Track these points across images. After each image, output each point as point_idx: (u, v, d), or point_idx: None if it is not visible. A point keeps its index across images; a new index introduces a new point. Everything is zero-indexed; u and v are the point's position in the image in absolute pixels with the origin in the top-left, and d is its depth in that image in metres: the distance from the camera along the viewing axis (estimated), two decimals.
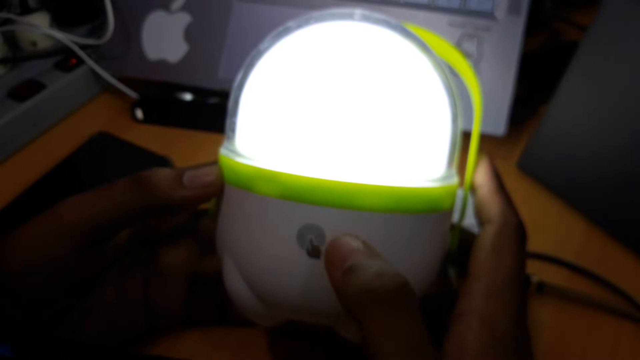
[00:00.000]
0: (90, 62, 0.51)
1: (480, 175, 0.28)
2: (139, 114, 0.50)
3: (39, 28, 0.51)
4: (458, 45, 0.46)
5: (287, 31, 0.27)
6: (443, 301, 0.30)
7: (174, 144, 0.48)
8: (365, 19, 0.27)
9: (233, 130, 0.28)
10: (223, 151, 0.28)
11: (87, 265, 0.28)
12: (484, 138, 0.45)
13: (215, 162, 0.28)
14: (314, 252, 0.24)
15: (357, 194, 0.24)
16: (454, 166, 0.27)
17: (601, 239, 0.40)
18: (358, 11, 0.27)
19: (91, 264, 0.29)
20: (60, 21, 0.55)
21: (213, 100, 0.50)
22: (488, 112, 0.44)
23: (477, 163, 0.28)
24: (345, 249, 0.23)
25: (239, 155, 0.26)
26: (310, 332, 0.31)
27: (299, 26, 0.27)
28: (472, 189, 0.29)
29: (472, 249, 0.26)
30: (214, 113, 0.49)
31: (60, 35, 0.51)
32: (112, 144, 0.47)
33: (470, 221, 0.29)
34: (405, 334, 0.22)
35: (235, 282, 0.27)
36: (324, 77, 0.25)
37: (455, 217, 0.28)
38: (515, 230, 0.26)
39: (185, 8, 0.50)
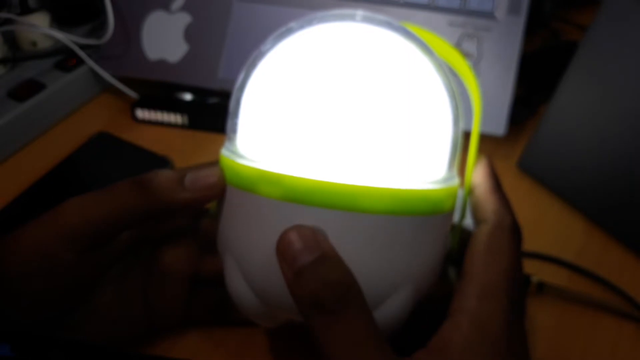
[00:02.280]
0: (90, 62, 0.51)
1: (478, 175, 0.28)
2: (140, 113, 0.50)
3: (39, 28, 0.52)
4: (458, 45, 0.46)
5: (289, 32, 0.27)
6: (443, 301, 0.30)
7: (174, 144, 0.48)
8: (367, 20, 0.27)
9: (234, 131, 0.28)
10: (224, 152, 0.27)
11: (88, 267, 0.28)
12: (484, 138, 0.45)
13: (216, 163, 0.28)
14: None
15: (359, 196, 0.24)
16: (455, 168, 0.27)
17: (601, 238, 0.40)
18: (360, 12, 0.27)
19: (92, 266, 0.29)
20: (60, 21, 0.55)
21: (213, 100, 0.50)
22: (488, 112, 0.44)
23: (476, 164, 0.28)
24: (293, 247, 0.23)
25: (240, 156, 0.26)
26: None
27: (301, 27, 0.27)
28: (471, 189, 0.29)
29: (467, 248, 0.26)
30: (213, 113, 0.49)
31: (60, 35, 0.51)
32: (112, 144, 0.47)
33: (470, 221, 0.29)
34: (352, 338, 0.23)
35: (236, 283, 0.27)
36: (326, 78, 0.25)
37: (456, 218, 0.28)
38: (509, 229, 0.26)
39: (185, 8, 0.50)
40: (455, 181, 0.27)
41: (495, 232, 0.26)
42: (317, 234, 0.24)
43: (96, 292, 0.30)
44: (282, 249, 0.24)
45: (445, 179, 0.26)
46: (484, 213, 0.27)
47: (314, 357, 0.32)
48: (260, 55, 0.27)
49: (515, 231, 0.27)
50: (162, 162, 0.44)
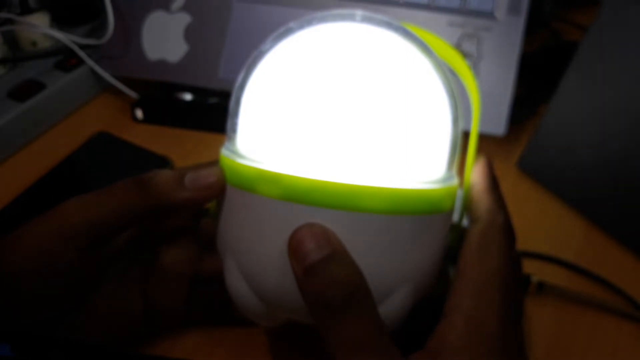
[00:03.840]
0: (90, 62, 0.51)
1: (475, 174, 0.28)
2: (139, 114, 0.50)
3: (39, 28, 0.52)
4: (458, 45, 0.46)
5: (288, 32, 0.27)
6: (443, 300, 0.30)
7: (174, 144, 0.48)
8: (367, 20, 0.27)
9: (234, 131, 0.28)
10: (224, 152, 0.28)
11: (88, 266, 0.29)
12: (485, 138, 0.45)
13: (216, 163, 0.28)
14: None
15: (358, 195, 0.24)
16: (454, 167, 0.28)
17: (601, 239, 0.41)
18: (359, 12, 0.27)
19: (92, 265, 0.29)
20: (60, 21, 0.56)
21: (213, 100, 0.50)
22: (488, 112, 0.44)
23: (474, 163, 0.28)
24: (304, 245, 0.23)
25: (240, 156, 0.27)
26: (310, 333, 0.31)
27: (301, 27, 0.27)
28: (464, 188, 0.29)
29: (461, 247, 0.27)
30: (213, 113, 0.49)
31: (60, 35, 0.51)
32: (112, 143, 0.47)
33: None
34: (358, 337, 0.23)
35: (236, 282, 0.27)
36: (325, 78, 0.25)
37: (455, 217, 0.28)
38: (501, 228, 0.26)
39: (185, 8, 0.50)
40: (455, 181, 0.27)
41: (487, 231, 0.26)
42: (329, 232, 0.24)
43: (97, 292, 0.30)
44: (294, 246, 0.24)
45: (445, 179, 0.27)
46: (477, 212, 0.27)
47: (313, 356, 0.32)
48: (260, 55, 0.27)
49: (507, 230, 0.27)
50: (162, 161, 0.45)
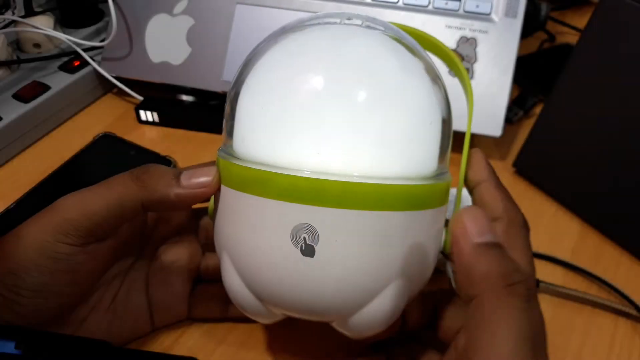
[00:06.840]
0: (94, 64, 0.51)
1: (478, 171, 0.28)
2: (143, 115, 0.50)
3: (43, 30, 0.52)
4: (456, 47, 0.47)
5: (282, 34, 0.28)
6: (440, 296, 0.30)
7: (177, 145, 0.48)
8: (359, 22, 0.27)
9: (230, 132, 0.28)
10: (220, 153, 0.28)
11: (89, 261, 0.29)
12: (481, 139, 0.46)
13: (213, 163, 0.28)
14: (307, 251, 0.24)
15: (349, 193, 0.24)
16: (446, 163, 0.28)
17: (596, 237, 0.41)
18: (353, 14, 0.27)
19: (93, 260, 0.29)
20: (63, 23, 0.56)
21: (215, 102, 0.50)
22: (485, 113, 0.45)
23: (469, 158, 0.29)
24: (481, 223, 0.24)
25: (235, 157, 0.27)
26: (310, 328, 0.32)
27: (294, 30, 0.27)
28: (468, 185, 0.29)
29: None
30: (216, 114, 0.49)
31: (64, 38, 0.51)
32: (116, 144, 0.47)
33: None
34: (518, 329, 0.22)
35: (233, 280, 0.27)
36: (318, 79, 0.25)
37: (450, 213, 0.29)
38: (522, 226, 0.27)
39: (187, 11, 0.51)
40: (447, 177, 0.27)
41: (510, 231, 0.26)
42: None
43: (100, 289, 0.31)
44: (467, 220, 0.24)
45: (436, 175, 0.27)
46: (493, 211, 0.27)
47: (313, 351, 0.33)
48: (255, 57, 0.28)
49: (526, 226, 0.27)
50: (165, 162, 0.45)
